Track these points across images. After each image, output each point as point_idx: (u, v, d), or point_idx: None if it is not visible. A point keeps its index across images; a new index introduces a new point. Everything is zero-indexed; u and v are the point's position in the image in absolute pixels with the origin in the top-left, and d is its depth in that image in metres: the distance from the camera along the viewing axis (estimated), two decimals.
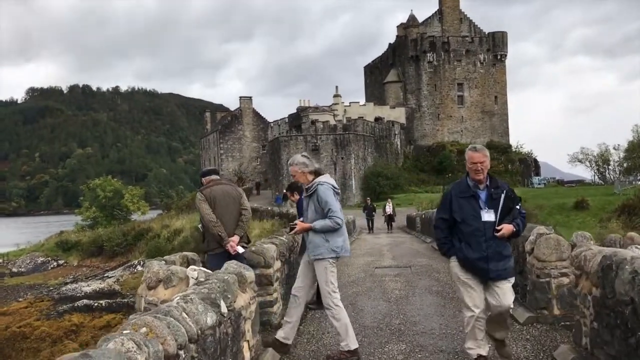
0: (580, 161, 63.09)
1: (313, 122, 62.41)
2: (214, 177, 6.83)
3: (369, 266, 12.64)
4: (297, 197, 8.21)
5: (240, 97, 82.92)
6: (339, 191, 6.06)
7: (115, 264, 50.26)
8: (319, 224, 5.37)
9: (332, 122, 63.64)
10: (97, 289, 30.68)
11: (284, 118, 76.34)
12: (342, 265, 12.68)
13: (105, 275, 40.07)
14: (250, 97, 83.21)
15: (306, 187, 5.64)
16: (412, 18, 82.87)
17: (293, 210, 41.90)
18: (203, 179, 6.91)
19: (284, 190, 49.91)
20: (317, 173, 5.64)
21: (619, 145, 57.75)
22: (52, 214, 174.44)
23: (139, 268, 46.60)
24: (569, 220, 40.29)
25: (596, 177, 63.85)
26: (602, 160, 61.91)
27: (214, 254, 6.52)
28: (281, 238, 7.79)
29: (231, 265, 4.72)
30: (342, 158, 57.98)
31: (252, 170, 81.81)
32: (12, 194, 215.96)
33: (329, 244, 5.40)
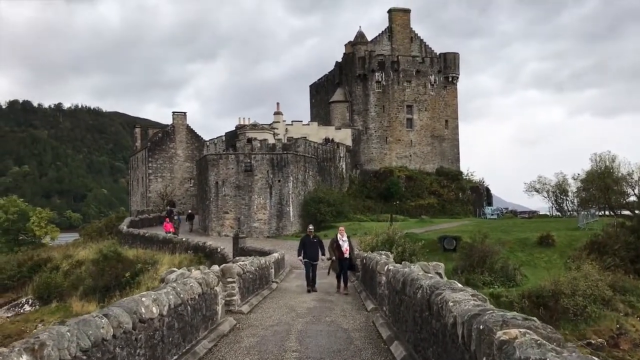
0: (537, 191, 58.93)
1: (249, 140, 55.98)
2: None
3: None
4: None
5: (173, 112, 75.40)
6: None
7: (3, 301, 42.31)
8: None
9: (271, 140, 57.48)
10: None
11: (221, 136, 69.74)
12: None
13: None
14: (185, 113, 75.68)
15: None
16: (360, 35, 78.01)
17: (211, 243, 35.27)
18: None
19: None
20: None
21: (578, 174, 53.97)
22: None
23: (27, 308, 38.98)
24: (534, 258, 35.32)
25: (554, 208, 59.82)
26: (560, 191, 57.99)
27: None
28: None
29: None
30: (279, 181, 51.55)
31: (184, 192, 74.32)
32: None
33: None
